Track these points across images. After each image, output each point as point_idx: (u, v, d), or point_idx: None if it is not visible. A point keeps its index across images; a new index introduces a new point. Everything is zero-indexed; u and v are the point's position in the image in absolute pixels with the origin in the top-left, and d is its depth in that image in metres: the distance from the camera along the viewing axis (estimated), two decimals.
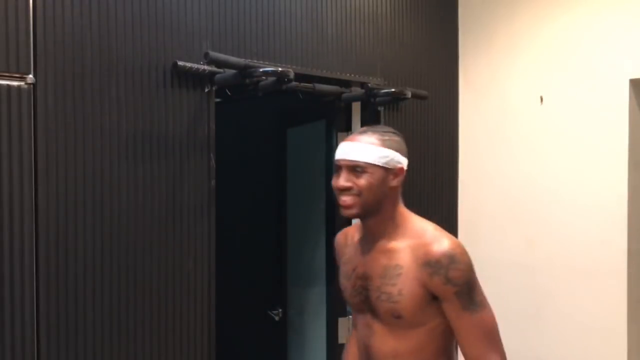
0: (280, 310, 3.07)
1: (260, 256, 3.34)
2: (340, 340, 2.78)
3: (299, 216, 3.16)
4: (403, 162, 1.71)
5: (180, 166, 2.05)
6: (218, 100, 2.18)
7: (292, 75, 2.05)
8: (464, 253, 1.67)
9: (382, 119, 2.68)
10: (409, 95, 2.56)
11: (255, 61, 2.22)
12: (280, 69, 2.04)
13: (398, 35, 2.76)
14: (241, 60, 2.05)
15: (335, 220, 2.76)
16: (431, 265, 1.62)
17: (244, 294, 3.24)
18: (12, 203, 1.71)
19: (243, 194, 3.28)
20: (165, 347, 2.03)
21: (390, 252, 1.69)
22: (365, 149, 1.65)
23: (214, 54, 2.04)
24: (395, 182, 1.68)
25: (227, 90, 2.29)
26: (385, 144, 1.67)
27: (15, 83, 1.72)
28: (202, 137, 2.11)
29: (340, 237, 1.92)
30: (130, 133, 1.94)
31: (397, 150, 1.69)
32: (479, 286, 1.68)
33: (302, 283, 3.07)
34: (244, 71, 2.04)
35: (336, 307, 2.81)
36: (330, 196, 2.81)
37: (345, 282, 1.80)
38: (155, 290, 2.01)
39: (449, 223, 3.03)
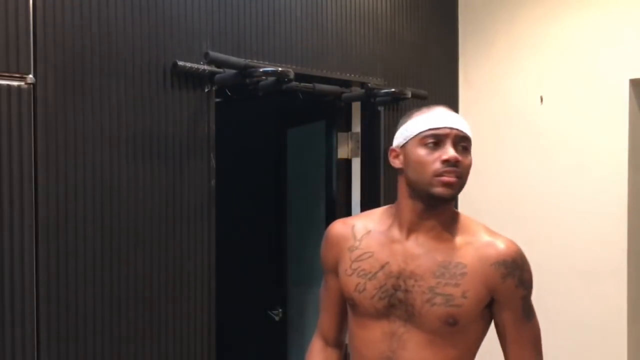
0: (280, 310, 3.07)
1: (260, 256, 3.34)
2: None
3: (299, 216, 3.16)
4: None
5: (180, 166, 2.05)
6: (218, 100, 2.18)
7: (292, 75, 2.05)
8: (525, 257, 1.57)
9: (382, 119, 2.68)
10: (409, 95, 2.56)
11: (255, 61, 2.22)
12: (280, 69, 2.04)
13: (398, 35, 2.76)
14: (241, 60, 2.05)
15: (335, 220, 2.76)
16: (506, 265, 1.48)
17: (244, 294, 3.24)
18: (12, 203, 1.71)
19: (243, 194, 3.28)
20: (165, 347, 2.03)
21: (448, 249, 1.49)
22: (465, 123, 1.52)
23: (214, 54, 2.04)
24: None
25: (227, 90, 2.29)
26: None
27: (15, 83, 1.71)
28: (202, 137, 2.11)
29: (339, 227, 1.61)
30: (130, 133, 1.94)
31: None
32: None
33: (302, 283, 3.07)
34: (244, 71, 2.04)
35: None
36: (331, 196, 2.82)
37: (363, 282, 1.51)
38: (155, 289, 2.00)
39: None
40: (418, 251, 1.49)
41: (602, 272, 2.57)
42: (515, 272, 1.49)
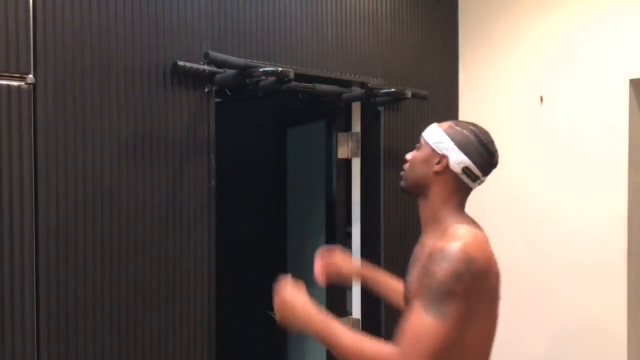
0: None
1: (260, 256, 3.34)
2: None
3: (299, 216, 3.16)
4: (453, 154, 1.65)
5: (180, 166, 2.05)
6: (218, 100, 2.18)
7: (292, 75, 2.05)
8: (466, 260, 1.52)
9: (382, 119, 2.68)
10: (409, 95, 2.56)
11: (255, 61, 2.22)
12: (280, 68, 2.04)
13: (398, 35, 2.76)
14: (241, 60, 2.05)
15: (335, 220, 2.77)
16: (429, 256, 1.56)
17: (243, 294, 3.24)
18: (12, 203, 1.71)
19: (243, 194, 3.28)
20: (165, 347, 2.03)
21: (422, 246, 1.73)
22: (430, 129, 1.71)
23: (214, 54, 2.04)
24: (437, 167, 1.66)
25: (227, 90, 2.28)
26: (449, 132, 1.67)
27: (15, 83, 1.71)
28: (202, 137, 2.11)
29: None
30: (130, 133, 1.94)
31: (455, 142, 1.66)
32: (460, 308, 1.50)
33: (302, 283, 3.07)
34: (244, 71, 2.04)
35: (336, 307, 2.81)
36: (331, 196, 2.82)
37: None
38: (155, 289, 2.01)
39: None
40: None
41: (602, 273, 2.57)
42: (430, 263, 1.54)
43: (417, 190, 1.71)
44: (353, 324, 2.78)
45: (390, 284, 2.01)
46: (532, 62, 2.79)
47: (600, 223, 2.58)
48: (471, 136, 1.68)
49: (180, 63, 2.01)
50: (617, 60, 2.53)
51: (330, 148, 2.79)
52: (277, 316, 1.74)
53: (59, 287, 1.80)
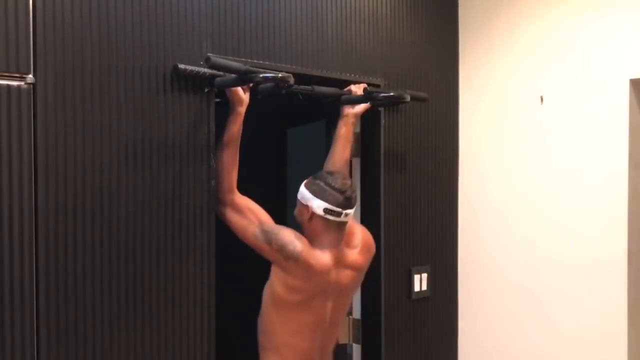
0: None
1: (261, 256, 3.33)
2: (341, 340, 2.77)
3: None
4: (314, 202, 2.12)
5: (180, 166, 2.05)
6: (218, 100, 2.18)
7: (291, 81, 2.05)
8: (294, 246, 2.10)
9: (382, 119, 2.68)
10: (408, 99, 2.55)
11: (255, 61, 2.21)
12: (280, 74, 2.03)
13: (398, 35, 2.76)
14: (242, 66, 2.04)
15: None
16: None
17: (244, 295, 3.23)
18: (12, 203, 1.71)
19: (243, 194, 3.27)
20: (165, 348, 2.03)
21: None
22: (301, 189, 2.20)
23: (215, 59, 2.03)
24: (307, 215, 2.15)
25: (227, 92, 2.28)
26: (307, 186, 2.17)
27: (15, 83, 1.71)
28: (202, 137, 2.10)
29: None
30: (130, 133, 1.94)
31: (312, 192, 2.13)
32: (268, 243, 2.12)
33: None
34: (244, 76, 2.03)
35: None
36: None
37: None
38: (155, 290, 2.00)
39: (449, 223, 3.03)
40: None
41: (602, 272, 2.58)
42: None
43: (303, 233, 2.18)
44: (353, 324, 2.78)
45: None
46: (532, 62, 2.79)
47: (601, 223, 2.58)
48: (322, 183, 2.13)
49: (181, 66, 2.00)
50: (617, 60, 2.53)
51: (330, 148, 2.78)
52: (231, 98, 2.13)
53: (58, 287, 1.80)
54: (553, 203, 2.73)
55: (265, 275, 2.21)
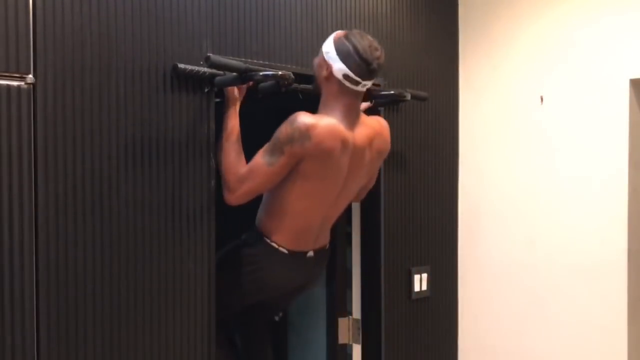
0: None
1: None
2: (341, 340, 2.78)
3: None
4: (336, 64, 2.05)
5: (180, 166, 2.05)
6: (218, 100, 2.18)
7: (291, 79, 2.05)
8: (301, 132, 2.00)
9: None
10: (409, 97, 2.56)
11: (255, 61, 2.21)
12: (280, 72, 2.04)
13: (398, 35, 2.76)
14: (242, 65, 2.04)
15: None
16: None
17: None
18: (12, 203, 1.71)
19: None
20: (165, 348, 2.03)
21: None
22: (327, 40, 2.11)
23: (215, 58, 2.03)
24: (325, 73, 2.08)
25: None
26: (336, 43, 2.07)
27: (15, 83, 1.71)
28: (202, 137, 2.10)
29: None
30: (130, 133, 1.94)
31: (338, 52, 2.05)
32: (284, 164, 2.04)
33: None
34: (244, 74, 2.04)
35: (336, 307, 2.81)
36: None
37: None
38: (155, 290, 2.00)
39: (449, 223, 3.03)
40: None
41: (602, 272, 2.58)
42: (285, 124, 2.06)
43: (318, 90, 2.14)
44: (353, 324, 2.78)
45: None
46: (532, 62, 2.79)
47: (601, 223, 2.58)
48: (351, 48, 2.04)
49: (181, 66, 2.00)
50: (617, 60, 2.54)
51: None
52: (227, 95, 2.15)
53: (59, 287, 1.80)
54: (553, 203, 2.73)
55: None
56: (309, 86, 2.32)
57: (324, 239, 2.35)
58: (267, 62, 2.26)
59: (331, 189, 2.19)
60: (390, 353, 2.73)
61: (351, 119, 2.14)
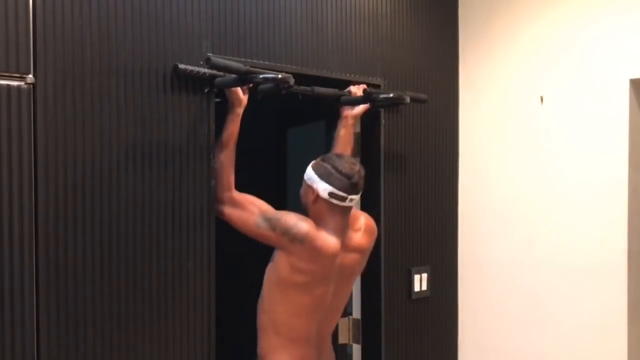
0: None
1: (261, 256, 3.33)
2: (341, 340, 2.78)
3: None
4: (316, 184, 2.13)
5: (180, 166, 2.05)
6: (218, 100, 2.18)
7: (291, 81, 2.05)
8: (298, 229, 2.10)
9: (382, 119, 2.68)
10: (408, 101, 2.55)
11: (255, 61, 2.21)
12: (280, 75, 2.03)
13: (398, 36, 2.76)
14: (242, 67, 2.04)
15: None
16: None
17: (243, 295, 3.23)
18: (12, 203, 1.71)
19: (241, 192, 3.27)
20: (165, 348, 2.03)
21: None
22: (307, 169, 2.19)
23: (216, 59, 2.03)
24: (312, 197, 2.16)
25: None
26: (314, 168, 2.16)
27: (15, 83, 1.71)
28: (202, 137, 2.11)
29: None
30: (130, 132, 1.94)
31: (319, 175, 2.13)
32: (274, 228, 2.11)
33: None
34: (245, 76, 2.04)
35: None
36: None
37: None
38: (155, 291, 2.00)
39: (449, 223, 3.03)
40: None
41: (602, 272, 2.57)
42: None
43: (307, 215, 2.18)
44: (353, 324, 2.78)
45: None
46: (532, 62, 2.79)
47: (601, 223, 2.58)
48: (330, 167, 2.13)
49: (181, 66, 2.00)
50: (617, 60, 2.53)
51: (330, 148, 2.78)
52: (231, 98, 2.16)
53: (58, 287, 1.80)
54: (553, 203, 2.73)
55: (264, 274, 2.21)
56: (309, 88, 2.32)
57: None
58: (267, 63, 2.27)
59: (317, 301, 2.20)
60: (390, 353, 2.73)
61: (342, 232, 2.19)
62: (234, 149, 2.16)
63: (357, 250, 2.27)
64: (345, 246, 2.20)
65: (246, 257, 3.31)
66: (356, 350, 2.77)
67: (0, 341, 1.70)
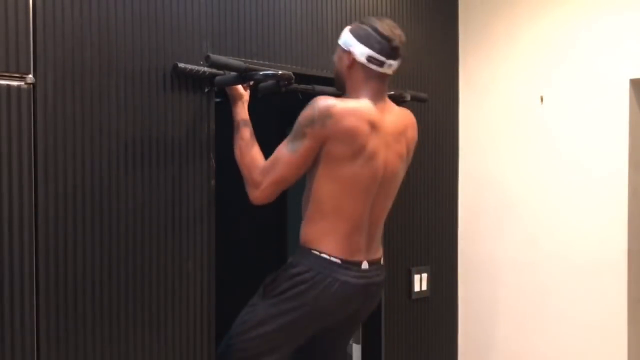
0: None
1: (261, 256, 3.34)
2: None
3: (299, 215, 3.15)
4: (357, 48, 2.00)
5: (179, 166, 2.05)
6: (218, 100, 2.18)
7: (292, 79, 2.05)
8: (321, 112, 1.92)
9: None
10: (408, 98, 2.56)
11: (255, 61, 2.22)
12: (280, 71, 2.04)
13: None
14: (242, 64, 2.04)
15: None
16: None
17: (243, 295, 3.23)
18: (12, 203, 1.71)
19: (243, 194, 3.27)
20: (165, 348, 2.03)
21: None
22: (342, 33, 2.07)
23: (215, 57, 2.03)
24: (347, 62, 2.03)
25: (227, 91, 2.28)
26: (352, 30, 2.03)
27: (15, 83, 1.71)
28: (202, 137, 2.11)
29: None
30: (130, 133, 1.94)
31: (356, 37, 2.00)
32: (308, 147, 1.95)
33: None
34: (245, 74, 2.04)
35: None
36: None
37: None
38: (154, 289, 2.01)
39: (449, 223, 3.03)
40: None
41: (602, 272, 2.58)
42: (305, 108, 1.98)
43: (341, 87, 2.09)
44: None
45: None
46: (532, 62, 2.79)
47: (601, 223, 2.58)
48: (369, 29, 1.99)
49: (181, 65, 2.01)
50: (617, 60, 2.53)
51: None
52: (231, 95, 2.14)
53: (58, 287, 1.80)
54: (553, 203, 2.73)
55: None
56: (309, 86, 2.32)
57: (376, 251, 2.14)
58: (267, 62, 2.27)
59: (367, 177, 2.01)
60: (390, 353, 2.73)
61: (380, 104, 2.04)
62: (253, 136, 2.08)
63: (403, 133, 2.13)
64: (385, 121, 2.04)
65: (246, 257, 3.32)
66: (356, 350, 2.77)
67: (0, 341, 1.71)
